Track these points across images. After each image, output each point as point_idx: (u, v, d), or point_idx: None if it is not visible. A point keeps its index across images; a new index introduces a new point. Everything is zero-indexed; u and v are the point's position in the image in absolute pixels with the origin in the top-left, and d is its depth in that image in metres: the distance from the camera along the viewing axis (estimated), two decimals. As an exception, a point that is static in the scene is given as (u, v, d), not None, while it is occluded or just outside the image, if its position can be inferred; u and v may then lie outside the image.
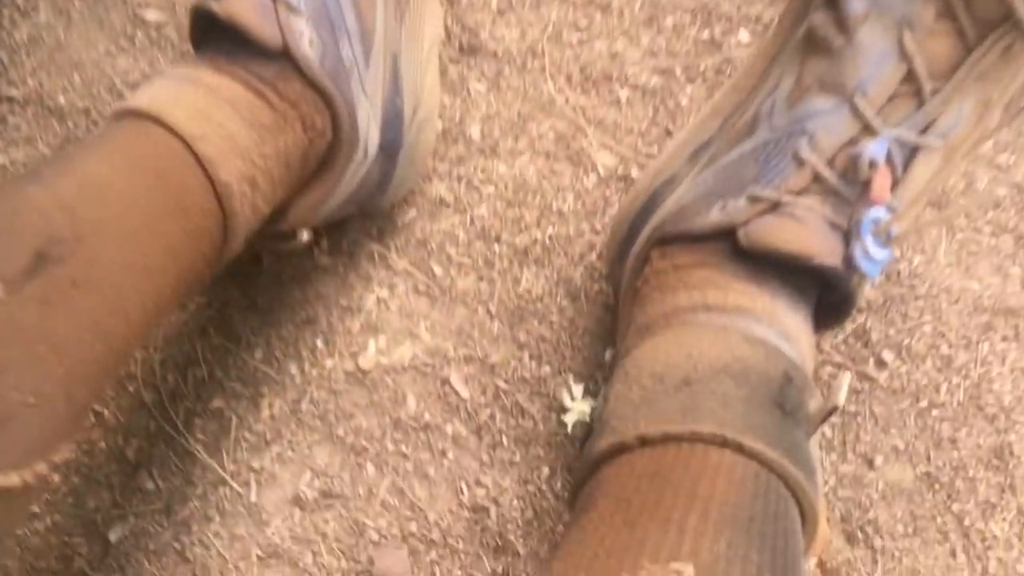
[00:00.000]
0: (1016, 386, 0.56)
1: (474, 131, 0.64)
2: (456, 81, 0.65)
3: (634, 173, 0.62)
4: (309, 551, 0.53)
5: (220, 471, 0.55)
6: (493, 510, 0.54)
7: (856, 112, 0.40)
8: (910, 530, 0.53)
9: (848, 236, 0.41)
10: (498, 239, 0.61)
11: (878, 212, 0.40)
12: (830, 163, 0.41)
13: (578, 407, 0.56)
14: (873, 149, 0.39)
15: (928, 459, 0.55)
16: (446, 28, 0.66)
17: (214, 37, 0.47)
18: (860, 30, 0.40)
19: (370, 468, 0.55)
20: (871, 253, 0.40)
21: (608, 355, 0.52)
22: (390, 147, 0.56)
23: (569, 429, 0.55)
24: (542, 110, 0.64)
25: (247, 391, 0.57)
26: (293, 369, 0.57)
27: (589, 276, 0.60)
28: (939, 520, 0.54)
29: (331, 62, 0.49)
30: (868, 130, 0.40)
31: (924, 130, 0.41)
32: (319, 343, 0.58)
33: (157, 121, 0.43)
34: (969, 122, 0.42)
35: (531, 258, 0.60)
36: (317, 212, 0.54)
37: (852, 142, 0.41)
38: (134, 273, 0.40)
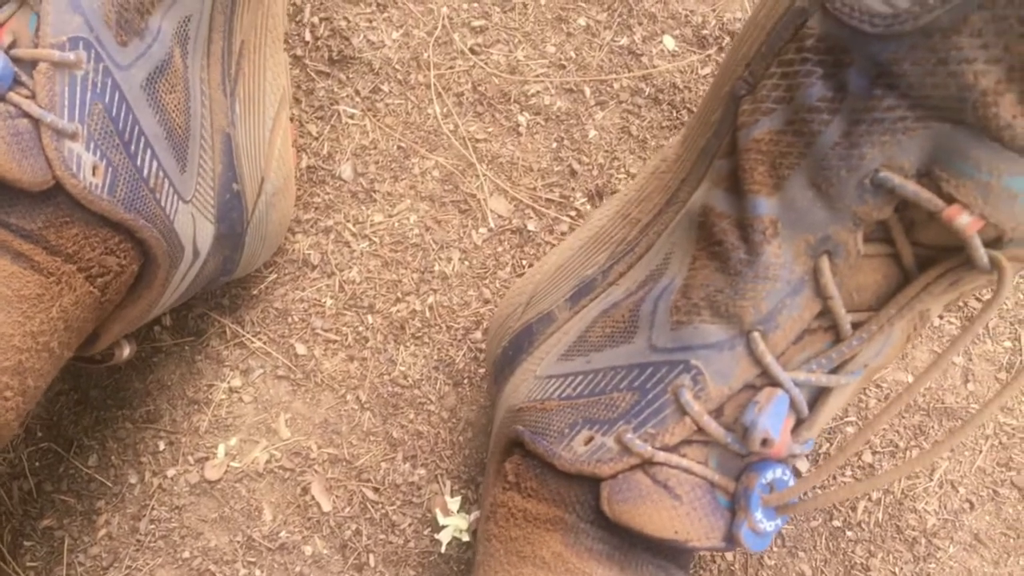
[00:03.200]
0: (943, 505, 0.50)
1: (345, 169, 0.54)
2: (324, 103, 0.54)
3: (531, 226, 0.53)
4: None
5: (52, 603, 0.49)
6: (358, 642, 0.49)
7: (752, 354, 0.32)
8: (809, 665, 0.49)
9: (734, 503, 0.33)
10: (371, 309, 0.52)
11: (774, 472, 0.33)
12: (717, 413, 0.33)
13: (453, 523, 0.50)
14: (767, 422, 0.31)
15: (836, 589, 0.50)
16: (311, 28, 0.55)
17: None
18: (767, 248, 0.31)
19: (221, 596, 0.49)
20: (760, 529, 0.33)
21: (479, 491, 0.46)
22: (230, 235, 0.46)
23: (443, 548, 0.50)
24: (426, 141, 0.54)
25: (80, 505, 0.50)
26: (132, 478, 0.50)
27: (473, 358, 0.52)
28: (842, 654, 0.49)
29: (127, 185, 0.39)
30: (767, 376, 0.32)
31: (839, 367, 0.32)
32: (161, 445, 0.51)
33: None
34: (898, 344, 0.34)
35: (408, 333, 0.52)
36: (138, 324, 0.45)
37: (747, 388, 0.32)
38: None
